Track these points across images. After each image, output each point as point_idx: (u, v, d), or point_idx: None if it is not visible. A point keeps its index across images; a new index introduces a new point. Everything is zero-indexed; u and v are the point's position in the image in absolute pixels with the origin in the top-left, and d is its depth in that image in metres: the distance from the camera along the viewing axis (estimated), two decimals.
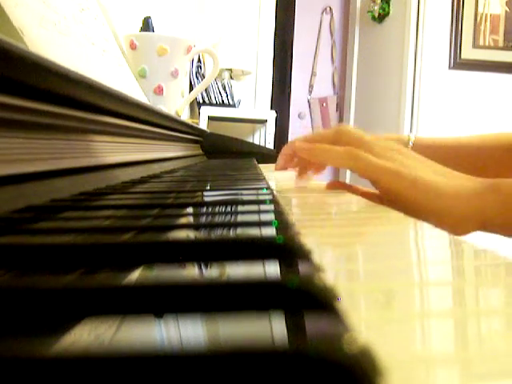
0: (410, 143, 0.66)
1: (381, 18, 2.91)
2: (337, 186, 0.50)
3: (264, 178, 0.54)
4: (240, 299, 0.12)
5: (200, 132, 1.17)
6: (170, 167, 0.74)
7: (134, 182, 0.48)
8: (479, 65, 2.65)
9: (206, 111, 2.23)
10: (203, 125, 2.16)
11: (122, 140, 0.54)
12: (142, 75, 1.11)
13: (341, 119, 3.52)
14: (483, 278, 0.18)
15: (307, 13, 3.52)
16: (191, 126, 1.03)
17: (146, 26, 1.19)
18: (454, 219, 0.40)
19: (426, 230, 0.26)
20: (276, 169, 0.57)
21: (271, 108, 2.61)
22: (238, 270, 0.16)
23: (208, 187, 0.47)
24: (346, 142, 0.47)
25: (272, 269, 0.16)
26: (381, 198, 0.46)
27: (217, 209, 0.31)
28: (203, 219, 0.28)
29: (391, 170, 0.43)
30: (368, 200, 0.40)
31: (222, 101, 2.37)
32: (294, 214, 0.32)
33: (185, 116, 1.90)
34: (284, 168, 0.58)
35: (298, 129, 3.53)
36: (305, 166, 0.54)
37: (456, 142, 0.66)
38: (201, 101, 2.34)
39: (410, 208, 0.41)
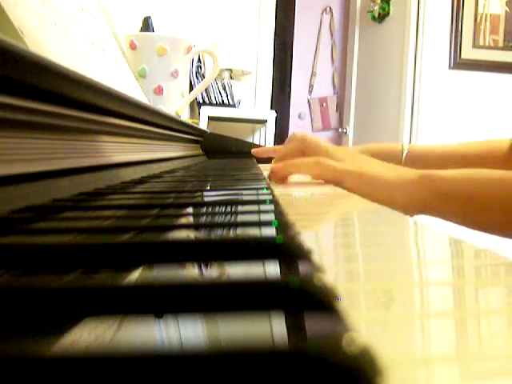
0: (404, 153, 0.73)
1: (381, 18, 2.91)
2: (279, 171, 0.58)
3: (264, 178, 0.54)
4: (240, 299, 0.12)
5: (200, 132, 1.17)
6: (170, 167, 0.74)
7: (134, 182, 0.48)
8: (479, 65, 2.65)
9: (206, 111, 2.23)
10: (203, 125, 2.16)
11: (122, 140, 0.54)
12: (141, 75, 1.11)
13: (341, 119, 3.52)
14: (483, 277, 0.18)
15: (307, 13, 3.52)
16: (191, 126, 1.03)
17: (146, 25, 1.19)
18: (397, 205, 0.49)
19: (426, 230, 0.26)
20: (255, 152, 0.66)
21: (271, 108, 2.61)
22: (238, 270, 0.16)
23: (208, 187, 0.47)
24: (313, 151, 0.57)
25: (272, 269, 0.16)
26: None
27: (217, 209, 0.31)
28: (203, 219, 0.28)
29: (353, 172, 0.51)
30: None
31: (222, 101, 2.37)
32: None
33: (185, 116, 1.90)
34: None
35: (298, 129, 3.53)
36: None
37: (447, 151, 0.73)
38: (201, 101, 2.34)
39: (367, 198, 0.47)
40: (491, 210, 0.47)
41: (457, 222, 0.50)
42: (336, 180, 0.52)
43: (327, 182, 0.53)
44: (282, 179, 0.59)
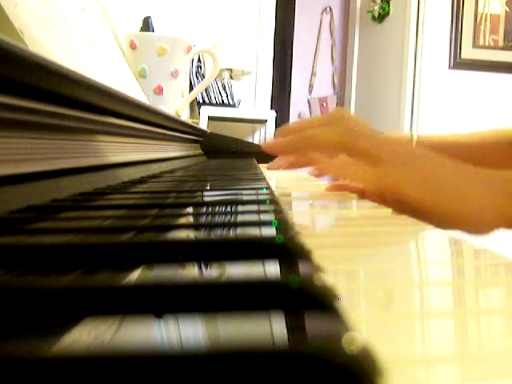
0: (413, 143, 0.65)
1: (381, 17, 2.91)
2: (337, 188, 0.48)
3: (264, 178, 0.54)
4: (240, 299, 0.12)
5: (200, 132, 1.17)
6: (170, 167, 0.74)
7: (134, 182, 0.48)
8: (479, 65, 2.64)
9: (206, 111, 2.23)
10: (203, 125, 2.15)
11: (122, 140, 0.54)
12: (141, 75, 1.11)
13: None
14: (483, 277, 0.18)
15: (307, 13, 3.52)
16: (191, 126, 1.03)
17: (146, 25, 1.19)
18: (475, 221, 0.37)
19: (426, 229, 0.26)
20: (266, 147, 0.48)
21: (271, 108, 2.60)
22: (238, 270, 0.16)
23: (208, 187, 0.47)
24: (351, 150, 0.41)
25: (272, 269, 0.16)
26: (383, 196, 0.42)
27: (217, 209, 0.31)
28: (203, 219, 0.28)
29: (416, 182, 0.38)
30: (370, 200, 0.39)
31: (222, 101, 2.37)
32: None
33: (185, 116, 1.90)
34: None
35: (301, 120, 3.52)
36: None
37: (456, 141, 0.66)
38: (201, 101, 2.34)
39: (424, 212, 0.37)
40: None
41: None
42: (395, 191, 0.39)
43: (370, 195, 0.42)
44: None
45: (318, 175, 0.58)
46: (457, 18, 2.62)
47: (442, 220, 0.37)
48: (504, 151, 0.61)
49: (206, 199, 0.39)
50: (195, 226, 0.24)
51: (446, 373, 0.09)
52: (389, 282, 0.16)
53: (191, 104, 2.36)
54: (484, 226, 0.37)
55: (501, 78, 2.66)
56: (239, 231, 0.22)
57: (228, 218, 0.27)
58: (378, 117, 2.94)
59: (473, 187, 0.38)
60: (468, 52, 2.63)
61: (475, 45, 2.64)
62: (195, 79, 2.31)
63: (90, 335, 0.11)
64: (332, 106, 3.56)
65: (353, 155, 0.40)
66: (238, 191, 0.42)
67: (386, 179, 0.39)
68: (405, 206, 0.39)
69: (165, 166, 0.71)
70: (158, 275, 0.16)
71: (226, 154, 1.25)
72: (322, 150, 0.45)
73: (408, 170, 0.39)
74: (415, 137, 0.62)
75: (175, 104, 1.18)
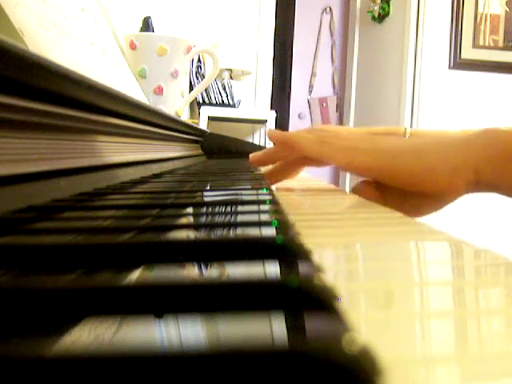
0: (407, 136, 0.66)
1: (381, 18, 2.91)
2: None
3: (264, 178, 0.54)
4: (240, 299, 0.12)
5: (200, 132, 1.17)
6: (170, 167, 0.74)
7: (134, 182, 0.48)
8: (479, 65, 2.64)
9: (206, 111, 2.23)
10: (203, 125, 2.16)
11: (122, 140, 0.54)
12: (141, 75, 1.11)
13: (341, 119, 3.52)
14: (483, 277, 0.18)
15: (307, 13, 3.52)
16: (191, 126, 1.03)
17: (146, 25, 1.19)
18: (442, 177, 0.37)
19: (426, 229, 0.26)
20: (252, 159, 0.56)
21: (271, 108, 2.60)
22: (238, 270, 0.16)
23: (208, 187, 0.47)
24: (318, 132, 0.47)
25: (272, 269, 0.16)
26: (374, 192, 0.44)
27: (217, 209, 0.31)
28: (203, 219, 0.28)
29: (366, 149, 0.41)
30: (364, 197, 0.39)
31: (222, 101, 2.37)
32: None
33: (185, 116, 1.90)
34: (259, 161, 0.58)
35: (298, 129, 3.53)
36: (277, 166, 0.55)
37: (448, 137, 0.67)
38: (201, 101, 2.34)
39: (395, 178, 0.39)
40: None
41: None
42: (342, 161, 0.43)
43: (329, 163, 0.45)
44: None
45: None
46: (457, 18, 2.62)
47: (400, 179, 0.39)
48: None
49: (206, 199, 0.39)
50: (195, 226, 0.24)
51: (446, 373, 0.09)
52: (389, 282, 0.16)
53: (191, 104, 2.36)
54: (440, 182, 0.37)
55: (501, 78, 2.66)
56: (239, 231, 0.22)
57: (228, 218, 0.27)
58: (377, 117, 2.95)
59: (426, 147, 0.39)
60: (468, 52, 2.63)
61: (475, 45, 2.64)
62: (195, 79, 2.31)
63: (90, 335, 0.11)
64: (332, 106, 3.56)
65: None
66: (238, 191, 0.42)
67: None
68: (388, 184, 0.41)
69: (165, 166, 0.71)
70: (158, 275, 0.16)
71: (226, 154, 1.25)
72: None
73: (365, 143, 0.42)
74: (408, 130, 0.61)
75: (175, 104, 1.18)
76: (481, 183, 0.36)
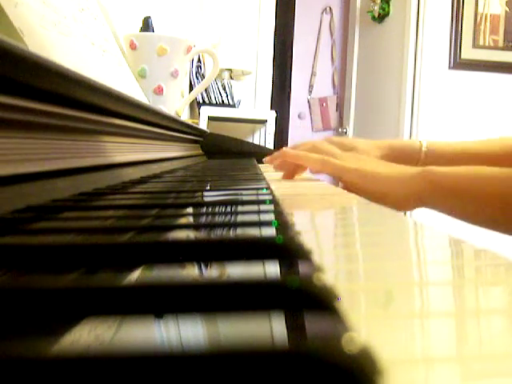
0: (423, 150, 0.74)
1: (381, 18, 2.91)
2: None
3: (264, 178, 0.54)
4: (240, 299, 0.12)
5: (200, 132, 1.17)
6: (170, 167, 0.74)
7: (134, 182, 0.48)
8: (479, 65, 2.64)
9: (206, 111, 2.23)
10: (203, 125, 2.15)
11: (122, 140, 0.54)
12: (141, 75, 1.11)
13: (341, 119, 3.52)
14: (483, 277, 0.18)
15: (307, 13, 3.52)
16: (191, 126, 1.03)
17: (146, 26, 1.19)
18: (396, 198, 0.53)
19: (426, 230, 0.26)
20: (266, 160, 0.71)
21: (271, 108, 2.60)
22: (238, 270, 0.16)
23: (208, 187, 0.47)
24: (324, 152, 0.63)
25: (272, 269, 0.16)
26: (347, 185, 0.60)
27: (217, 209, 0.31)
28: (203, 219, 0.28)
29: (350, 169, 0.57)
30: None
31: (222, 101, 2.37)
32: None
33: (185, 116, 1.90)
34: (272, 163, 0.71)
35: (298, 129, 3.53)
36: (290, 168, 0.68)
37: (466, 151, 0.73)
38: (201, 101, 2.34)
39: (368, 194, 0.52)
40: (490, 207, 0.48)
41: (454, 216, 0.51)
42: (334, 175, 0.60)
43: (330, 176, 0.61)
44: (289, 172, 0.66)
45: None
46: (457, 18, 2.62)
47: (374, 196, 0.53)
48: (507, 160, 0.66)
49: (206, 199, 0.39)
50: (195, 226, 0.24)
51: (445, 373, 0.09)
52: (389, 281, 0.16)
53: (191, 104, 2.36)
54: (399, 202, 0.53)
55: (501, 78, 2.66)
56: (239, 231, 0.22)
57: (228, 218, 0.27)
58: (377, 117, 2.95)
59: (392, 175, 0.55)
60: (468, 52, 2.63)
61: (475, 45, 2.64)
62: (195, 79, 2.31)
63: (90, 335, 0.11)
64: (332, 106, 3.56)
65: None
66: (238, 191, 0.42)
67: (340, 170, 0.59)
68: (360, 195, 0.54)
69: (165, 166, 0.71)
70: (158, 275, 0.16)
71: (225, 154, 1.25)
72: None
73: (354, 164, 0.58)
74: (424, 144, 0.72)
75: (175, 104, 1.18)
76: (426, 204, 0.53)
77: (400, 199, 0.53)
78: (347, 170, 0.58)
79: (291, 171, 0.68)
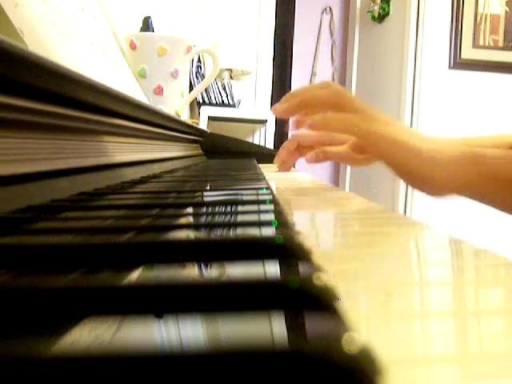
0: None
1: (381, 18, 2.91)
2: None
3: (264, 178, 0.54)
4: (240, 299, 0.12)
5: (200, 132, 1.17)
6: (170, 167, 0.74)
7: (134, 182, 0.48)
8: (479, 65, 2.64)
9: (206, 111, 2.23)
10: (203, 125, 2.15)
11: (122, 140, 0.54)
12: (141, 75, 1.11)
13: None
14: (483, 277, 0.18)
15: (307, 13, 3.52)
16: (191, 126, 1.03)
17: (146, 26, 1.19)
18: (434, 182, 0.46)
19: (426, 229, 0.26)
20: (277, 162, 0.68)
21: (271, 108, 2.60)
22: (238, 270, 0.16)
23: (208, 187, 0.47)
24: (343, 108, 0.50)
25: (272, 269, 0.16)
26: (363, 146, 0.52)
27: (217, 209, 0.31)
28: (203, 219, 0.28)
29: (386, 136, 0.48)
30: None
31: (222, 101, 2.37)
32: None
33: (185, 116, 1.90)
34: (285, 163, 0.68)
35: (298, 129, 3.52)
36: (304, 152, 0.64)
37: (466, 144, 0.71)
38: (201, 101, 2.34)
39: (398, 169, 0.48)
40: None
41: (494, 206, 0.47)
42: (365, 143, 0.49)
43: (353, 145, 0.53)
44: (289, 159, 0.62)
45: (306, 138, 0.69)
46: (457, 18, 2.61)
47: (411, 176, 0.48)
48: None
49: (206, 199, 0.39)
50: (195, 226, 0.24)
51: (445, 373, 0.09)
52: (389, 281, 0.16)
53: (191, 104, 2.36)
54: (440, 187, 0.47)
55: (501, 78, 2.66)
56: (239, 231, 0.22)
57: (228, 218, 0.27)
58: None
59: (435, 156, 0.47)
60: (468, 52, 2.63)
61: (475, 45, 2.64)
62: (195, 79, 2.31)
63: (90, 335, 0.11)
64: None
65: (344, 110, 0.50)
66: (238, 191, 0.42)
67: (368, 134, 0.48)
68: (387, 165, 0.48)
69: (165, 166, 0.71)
70: (158, 275, 0.16)
71: (226, 154, 1.25)
72: (320, 109, 0.53)
73: (385, 129, 0.48)
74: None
75: (175, 104, 1.18)
76: (465, 192, 0.47)
77: (441, 184, 0.46)
78: (382, 138, 0.48)
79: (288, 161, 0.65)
